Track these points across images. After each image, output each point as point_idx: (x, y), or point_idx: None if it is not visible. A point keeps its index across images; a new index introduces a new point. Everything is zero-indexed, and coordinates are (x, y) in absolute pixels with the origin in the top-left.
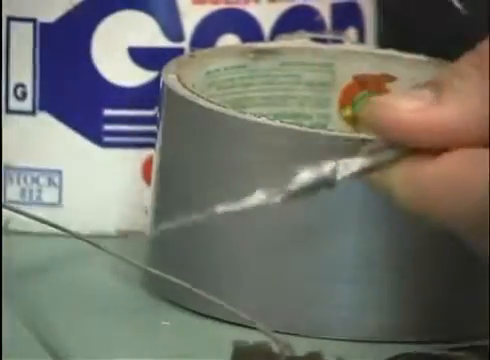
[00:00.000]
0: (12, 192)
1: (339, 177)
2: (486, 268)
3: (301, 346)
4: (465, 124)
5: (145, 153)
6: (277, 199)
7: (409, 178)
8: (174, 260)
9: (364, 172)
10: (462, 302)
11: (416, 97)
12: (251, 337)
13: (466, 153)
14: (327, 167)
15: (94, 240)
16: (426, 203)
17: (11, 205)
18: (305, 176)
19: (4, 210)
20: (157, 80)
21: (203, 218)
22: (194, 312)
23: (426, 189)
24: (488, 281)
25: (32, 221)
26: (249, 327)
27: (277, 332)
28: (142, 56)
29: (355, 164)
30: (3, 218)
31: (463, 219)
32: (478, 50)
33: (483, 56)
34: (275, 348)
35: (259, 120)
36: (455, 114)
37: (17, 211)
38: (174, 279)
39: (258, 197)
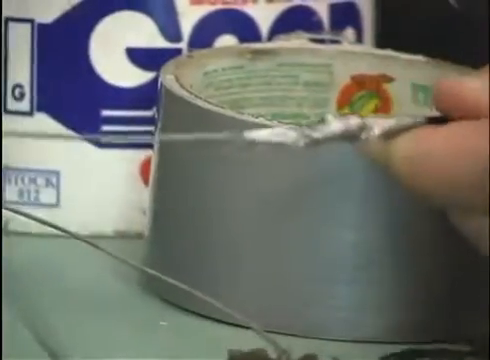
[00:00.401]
0: (10, 193)
1: (364, 136)
2: (487, 268)
3: (299, 347)
4: None
5: (143, 154)
6: (301, 143)
7: (411, 146)
8: (172, 260)
9: (386, 135)
10: (462, 301)
11: (484, 77)
12: (248, 338)
13: (471, 124)
14: (354, 123)
15: (92, 241)
16: (424, 173)
17: (11, 206)
18: (333, 127)
19: (3, 211)
20: (155, 81)
21: (228, 137)
22: (192, 312)
23: (426, 157)
24: (489, 281)
25: (31, 222)
26: (246, 327)
27: (275, 333)
28: (140, 57)
29: (379, 126)
30: (3, 218)
31: (464, 192)
32: None
33: None
34: (271, 354)
35: (257, 121)
36: None
37: (17, 212)
38: (171, 280)
39: (284, 134)
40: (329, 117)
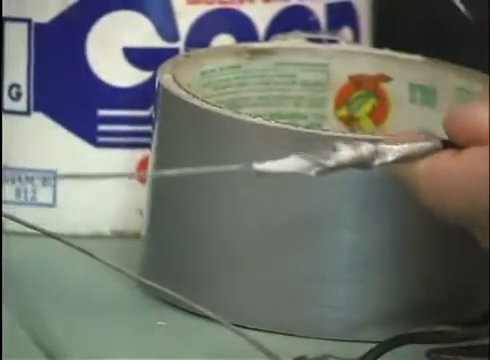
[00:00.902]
0: (7, 192)
1: (377, 163)
2: (485, 267)
3: (298, 347)
4: None
5: (140, 153)
6: (313, 172)
7: (433, 171)
8: (168, 260)
9: (400, 160)
10: (461, 302)
11: None
12: (239, 338)
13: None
14: (366, 150)
15: (88, 241)
16: (446, 197)
17: (6, 205)
18: (345, 155)
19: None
20: (152, 80)
21: (236, 169)
22: (189, 312)
23: (447, 183)
24: (486, 279)
25: (29, 221)
26: (242, 326)
27: (273, 332)
28: (137, 56)
29: (393, 151)
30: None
31: (480, 216)
32: None
33: None
34: None
35: (254, 120)
36: None
37: (10, 217)
38: (168, 290)
39: (294, 165)
40: (340, 144)
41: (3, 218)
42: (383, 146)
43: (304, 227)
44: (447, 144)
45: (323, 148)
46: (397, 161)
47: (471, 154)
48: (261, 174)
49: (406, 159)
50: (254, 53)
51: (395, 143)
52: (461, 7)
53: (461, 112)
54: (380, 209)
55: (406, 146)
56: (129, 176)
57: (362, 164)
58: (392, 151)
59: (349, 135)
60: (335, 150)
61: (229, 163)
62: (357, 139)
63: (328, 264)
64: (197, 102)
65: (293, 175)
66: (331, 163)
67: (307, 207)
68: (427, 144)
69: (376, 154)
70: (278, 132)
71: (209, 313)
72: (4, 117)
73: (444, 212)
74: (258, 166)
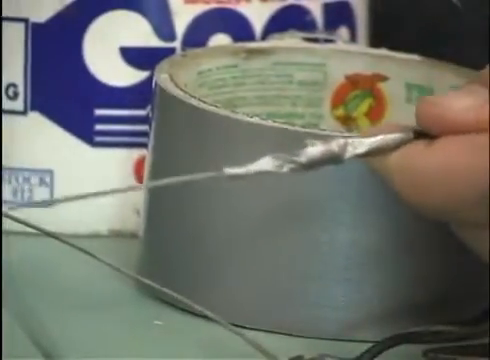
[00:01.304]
0: (4, 192)
1: (347, 156)
2: (483, 266)
3: (294, 346)
4: None
5: (137, 153)
6: (285, 169)
7: (405, 163)
8: (165, 259)
9: (370, 153)
10: (458, 301)
11: (468, 94)
12: (238, 339)
13: (463, 139)
14: (336, 145)
15: (86, 240)
16: (420, 190)
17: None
18: (315, 150)
19: None
20: (149, 80)
21: (209, 177)
22: (186, 311)
23: (421, 175)
24: (484, 279)
25: (26, 221)
26: (240, 326)
27: (269, 332)
28: (134, 56)
29: (363, 145)
30: None
31: (457, 208)
32: None
33: None
34: None
35: (251, 120)
36: None
37: (10, 217)
38: (165, 289)
39: (266, 165)
40: (310, 141)
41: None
42: (353, 140)
43: (301, 227)
44: (419, 135)
45: (295, 147)
46: (367, 154)
47: (443, 144)
48: (234, 178)
49: (377, 151)
50: (251, 53)
51: (366, 136)
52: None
53: (429, 100)
54: (377, 208)
55: (377, 139)
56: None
57: (333, 159)
58: (362, 144)
59: (343, 135)
60: (305, 147)
61: (227, 162)
62: (329, 136)
63: (325, 264)
64: (194, 102)
65: (267, 175)
66: (302, 159)
67: (304, 207)
68: (398, 135)
69: (346, 148)
70: (275, 131)
71: (207, 312)
72: (2, 117)
73: (420, 205)
74: (230, 170)
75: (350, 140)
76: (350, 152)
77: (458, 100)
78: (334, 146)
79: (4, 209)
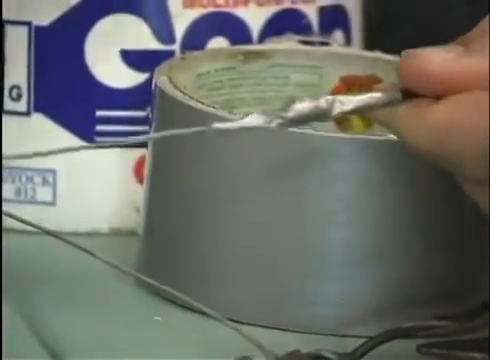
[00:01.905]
0: (7, 191)
1: (334, 112)
2: (475, 265)
3: (290, 341)
4: None
5: (137, 153)
6: (273, 124)
7: (418, 119)
8: (164, 256)
9: (357, 111)
10: (452, 298)
11: (447, 50)
12: (236, 334)
13: (475, 95)
14: (324, 101)
15: (87, 238)
16: (435, 144)
17: (6, 204)
18: (302, 106)
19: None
20: (149, 82)
21: (199, 131)
22: (184, 307)
23: (435, 130)
24: (476, 277)
25: (29, 219)
26: (237, 322)
27: (267, 327)
28: (134, 58)
29: (351, 102)
30: None
31: (469, 162)
32: None
33: None
34: (257, 358)
35: None
36: (484, 62)
37: (11, 215)
38: (164, 286)
39: (255, 120)
40: (299, 98)
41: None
42: (341, 97)
43: (298, 226)
44: (406, 94)
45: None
46: (354, 111)
47: (452, 101)
48: (222, 133)
49: (364, 109)
50: (248, 55)
51: (354, 95)
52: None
53: (410, 53)
54: (372, 209)
55: (364, 97)
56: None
57: (321, 115)
58: (350, 102)
59: (338, 135)
60: (294, 102)
61: (224, 161)
62: (324, 136)
63: (321, 262)
64: (192, 103)
65: (257, 131)
66: (290, 114)
67: (301, 207)
68: (385, 95)
69: (334, 104)
70: (271, 133)
71: (204, 308)
72: (5, 118)
73: (428, 156)
74: (218, 125)
75: (338, 97)
76: (338, 109)
77: (437, 53)
78: (322, 102)
79: (5, 208)
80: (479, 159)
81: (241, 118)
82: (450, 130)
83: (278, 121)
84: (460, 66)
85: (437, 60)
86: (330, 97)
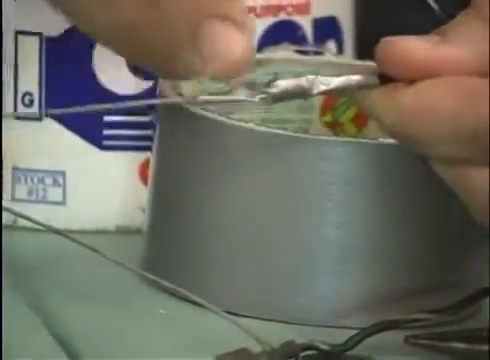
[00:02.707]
0: (20, 191)
1: (315, 91)
2: (460, 261)
3: (287, 332)
4: (469, 58)
5: (142, 156)
6: (257, 99)
7: (391, 101)
8: (167, 253)
9: (336, 91)
10: (435, 292)
11: (425, 39)
12: (235, 327)
13: (446, 79)
14: (306, 80)
15: (95, 236)
16: (407, 126)
17: (18, 204)
18: (285, 83)
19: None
20: (153, 89)
21: (190, 102)
22: (186, 301)
23: (406, 111)
24: (460, 273)
25: (39, 218)
26: (235, 314)
27: (264, 319)
28: (139, 67)
29: (331, 83)
30: (11, 216)
31: (438, 143)
32: (476, 4)
33: (480, 9)
34: (254, 347)
35: (246, 126)
36: (461, 49)
37: (16, 214)
38: (167, 283)
39: (240, 93)
40: (283, 76)
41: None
42: (321, 78)
43: (293, 225)
44: (383, 78)
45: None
46: (333, 90)
47: (428, 86)
48: (208, 104)
49: (343, 90)
50: None
51: (333, 75)
52: (435, 6)
53: (387, 41)
54: (361, 208)
55: (342, 78)
56: None
57: (302, 93)
58: (330, 82)
59: (330, 138)
60: (277, 79)
61: (223, 163)
62: (318, 140)
63: (315, 259)
64: (193, 108)
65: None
66: (274, 90)
67: (296, 208)
68: (363, 77)
69: (315, 84)
70: (268, 136)
71: (203, 302)
72: (17, 122)
73: (401, 139)
74: (204, 97)
75: (319, 77)
76: (318, 87)
77: (415, 41)
78: (304, 81)
79: (18, 207)
80: (448, 140)
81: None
82: (420, 112)
83: (262, 96)
84: (437, 54)
85: (415, 47)
86: (311, 77)
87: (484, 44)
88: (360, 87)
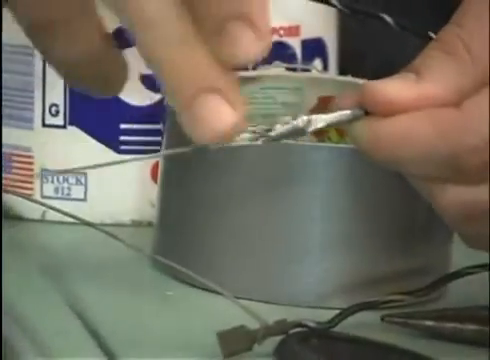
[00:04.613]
0: (47, 189)
1: (309, 130)
2: (430, 251)
3: (280, 312)
4: (444, 94)
5: (153, 159)
6: (259, 142)
7: (370, 133)
8: (175, 242)
9: (328, 126)
10: (408, 276)
11: (402, 80)
12: (234, 306)
13: (421, 112)
14: (301, 121)
15: (112, 228)
16: (384, 153)
17: (46, 200)
18: (283, 127)
19: (41, 202)
20: (162, 101)
21: (200, 147)
22: (191, 285)
23: (384, 142)
24: (429, 260)
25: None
26: (236, 297)
27: (260, 301)
28: (151, 81)
29: (322, 120)
30: (41, 210)
31: (415, 167)
32: (442, 38)
33: (450, 41)
34: (251, 325)
35: (242, 136)
36: (436, 87)
37: (50, 207)
38: (175, 265)
39: (244, 137)
40: (280, 119)
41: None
42: (314, 117)
43: (283, 221)
44: (368, 112)
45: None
46: (326, 127)
47: (406, 118)
48: (218, 148)
49: (334, 125)
50: (244, 79)
51: (324, 113)
52: (389, 20)
53: (369, 86)
54: (342, 204)
55: (333, 115)
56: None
57: (298, 133)
58: (322, 120)
59: (317, 144)
60: (276, 122)
61: (221, 165)
62: (306, 146)
63: (302, 249)
64: None
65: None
66: (273, 134)
67: (286, 206)
68: (351, 112)
69: (309, 124)
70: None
71: (209, 284)
72: (46, 130)
73: (381, 163)
74: (215, 145)
75: (312, 117)
76: (312, 126)
77: (392, 84)
78: (299, 122)
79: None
80: (420, 164)
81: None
82: (396, 140)
83: (263, 139)
84: (414, 94)
85: (393, 90)
86: (305, 117)
87: (456, 79)
88: (349, 121)
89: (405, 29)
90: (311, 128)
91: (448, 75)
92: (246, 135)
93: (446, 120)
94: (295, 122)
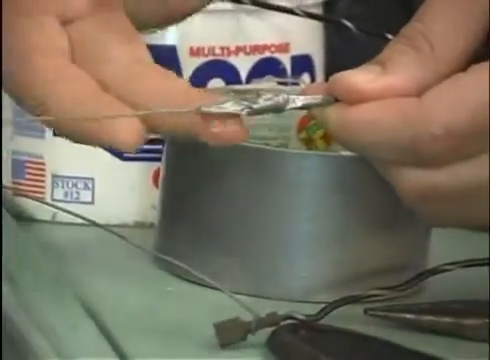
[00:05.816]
0: (58, 194)
1: (287, 108)
2: (409, 246)
3: (272, 306)
4: (407, 88)
5: (155, 165)
6: (244, 113)
7: (339, 118)
8: (173, 242)
9: (303, 108)
10: (389, 272)
11: (368, 71)
12: (229, 300)
13: (386, 100)
14: (282, 98)
15: (117, 229)
16: (352, 138)
17: (56, 203)
18: (266, 101)
19: (52, 204)
20: None
21: (187, 112)
22: (189, 281)
23: (352, 128)
24: (409, 257)
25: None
26: (235, 293)
27: (253, 296)
28: None
29: (298, 101)
30: (51, 212)
31: (380, 151)
32: (405, 34)
33: (412, 36)
34: (245, 318)
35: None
36: (400, 79)
37: (61, 209)
38: (175, 261)
39: (232, 107)
40: (264, 92)
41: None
42: (292, 96)
43: (274, 221)
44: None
45: (252, 94)
46: (302, 108)
47: (372, 107)
48: (207, 115)
49: (308, 107)
50: (238, 93)
51: (301, 94)
52: (350, 25)
53: (337, 77)
54: (329, 206)
55: (307, 97)
56: None
57: (278, 108)
58: (298, 100)
59: (306, 152)
60: (260, 96)
61: (218, 171)
62: (298, 154)
63: (291, 247)
64: None
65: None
66: (256, 106)
67: (276, 207)
68: (322, 97)
69: (288, 102)
70: (255, 151)
71: (207, 279)
72: (57, 138)
73: (349, 148)
74: (205, 109)
75: (291, 96)
76: (289, 105)
77: (360, 74)
78: (280, 99)
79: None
80: (384, 149)
81: (222, 104)
82: (362, 125)
83: (248, 110)
84: (379, 84)
85: (359, 80)
86: (286, 95)
87: (418, 71)
88: (320, 105)
89: (366, 33)
90: (289, 106)
91: (410, 68)
92: (232, 104)
93: (408, 109)
94: (276, 98)
